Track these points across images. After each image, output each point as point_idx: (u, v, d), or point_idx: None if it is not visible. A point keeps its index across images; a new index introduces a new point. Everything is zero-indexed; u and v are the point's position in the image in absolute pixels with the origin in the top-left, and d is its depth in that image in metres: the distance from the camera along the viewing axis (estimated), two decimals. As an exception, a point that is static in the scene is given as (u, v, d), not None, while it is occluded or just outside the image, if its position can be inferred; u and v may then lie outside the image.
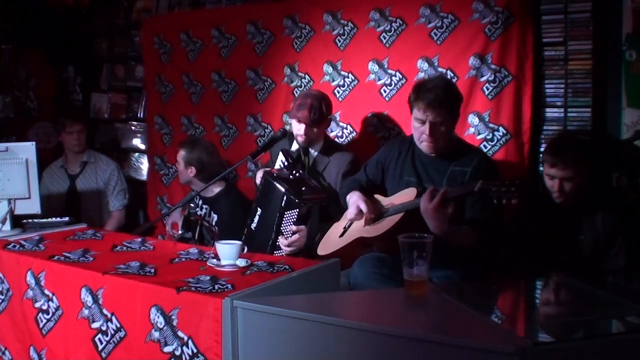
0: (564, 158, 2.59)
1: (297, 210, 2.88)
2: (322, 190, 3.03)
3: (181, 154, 3.59)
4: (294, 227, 2.89)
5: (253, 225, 3.07)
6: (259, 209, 3.06)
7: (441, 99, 2.55)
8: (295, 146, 3.29)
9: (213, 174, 3.48)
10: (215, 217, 3.53)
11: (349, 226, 2.78)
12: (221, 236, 3.24)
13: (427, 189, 2.58)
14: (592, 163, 2.65)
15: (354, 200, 2.71)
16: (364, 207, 2.65)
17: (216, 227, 3.50)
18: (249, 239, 3.04)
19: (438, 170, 2.66)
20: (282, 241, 2.91)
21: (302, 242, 2.89)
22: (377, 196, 2.80)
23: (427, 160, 2.70)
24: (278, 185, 2.92)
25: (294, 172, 3.05)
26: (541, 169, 2.99)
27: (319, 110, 3.13)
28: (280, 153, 3.23)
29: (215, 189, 3.56)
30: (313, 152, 3.24)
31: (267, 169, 3.22)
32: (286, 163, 3.15)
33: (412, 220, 2.44)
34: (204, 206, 3.59)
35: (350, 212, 2.71)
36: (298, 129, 3.17)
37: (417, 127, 2.63)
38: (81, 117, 4.25)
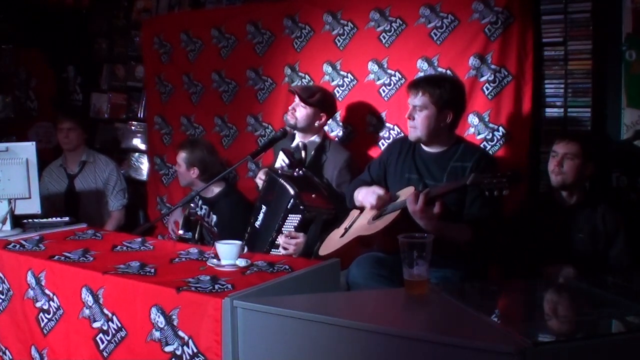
0: (571, 135, 2.80)
1: (301, 216, 2.88)
2: (330, 201, 2.99)
3: (182, 155, 3.56)
4: (293, 233, 2.88)
5: (257, 224, 3.07)
6: (263, 206, 3.05)
7: (422, 82, 2.67)
8: (296, 142, 3.29)
9: (214, 174, 3.47)
10: (214, 217, 3.52)
11: (350, 227, 2.78)
12: (220, 237, 3.24)
13: (429, 185, 2.59)
14: (596, 158, 2.71)
15: (367, 189, 2.73)
16: (380, 190, 2.67)
17: (215, 228, 3.50)
18: (253, 238, 3.04)
19: (439, 167, 2.67)
20: (280, 240, 2.91)
21: (298, 249, 2.87)
22: None
23: (428, 157, 2.72)
24: (287, 186, 2.90)
25: (297, 170, 3.04)
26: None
27: (314, 93, 3.19)
28: (281, 152, 3.23)
29: (215, 189, 3.55)
30: (311, 149, 3.25)
31: (268, 168, 3.22)
32: (287, 162, 3.14)
33: (409, 218, 2.45)
34: (204, 206, 3.58)
35: (367, 199, 2.70)
36: (292, 107, 3.23)
37: None
38: (74, 115, 4.22)
